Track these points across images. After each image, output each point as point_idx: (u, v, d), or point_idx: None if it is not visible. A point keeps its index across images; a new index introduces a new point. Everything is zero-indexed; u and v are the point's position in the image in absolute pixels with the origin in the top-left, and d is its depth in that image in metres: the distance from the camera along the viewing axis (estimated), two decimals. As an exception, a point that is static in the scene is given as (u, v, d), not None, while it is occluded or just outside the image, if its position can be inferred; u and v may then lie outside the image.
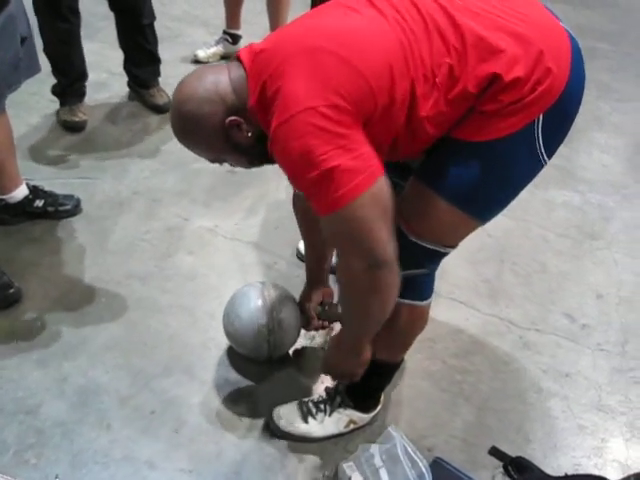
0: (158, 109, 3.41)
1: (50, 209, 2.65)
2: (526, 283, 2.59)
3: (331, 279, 2.20)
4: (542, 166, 1.50)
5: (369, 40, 1.37)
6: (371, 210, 1.35)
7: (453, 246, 1.59)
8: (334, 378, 1.94)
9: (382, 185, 1.36)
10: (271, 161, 1.56)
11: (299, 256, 2.55)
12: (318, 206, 1.39)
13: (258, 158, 1.54)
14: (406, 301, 1.64)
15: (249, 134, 1.45)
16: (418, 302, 1.67)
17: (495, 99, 1.37)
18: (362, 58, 1.34)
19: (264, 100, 1.38)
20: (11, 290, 2.26)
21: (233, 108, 1.42)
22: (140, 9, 3.19)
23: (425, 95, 1.37)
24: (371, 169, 1.34)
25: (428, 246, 1.54)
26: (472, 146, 1.43)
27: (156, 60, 3.45)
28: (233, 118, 1.43)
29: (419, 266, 1.59)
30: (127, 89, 3.56)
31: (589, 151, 3.46)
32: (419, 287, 1.66)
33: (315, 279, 2.15)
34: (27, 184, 2.61)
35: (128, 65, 3.42)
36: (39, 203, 2.62)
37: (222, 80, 1.43)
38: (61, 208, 2.67)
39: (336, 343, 1.74)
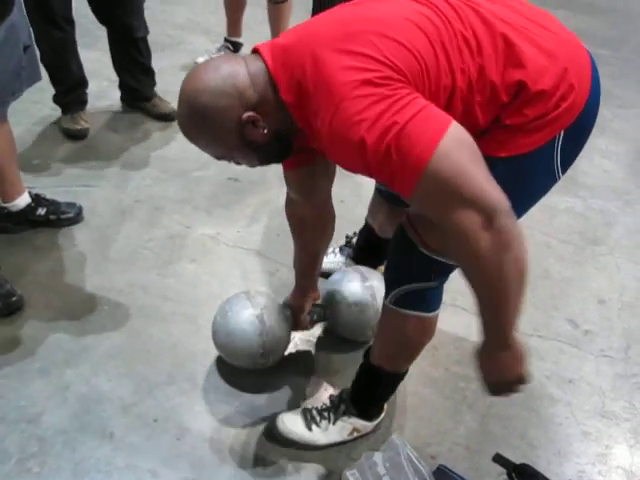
0: (165, 118, 3.41)
1: (52, 217, 2.65)
2: (529, 289, 2.52)
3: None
4: (556, 182, 1.49)
5: (407, 23, 1.32)
6: (459, 155, 1.20)
7: None
8: (500, 393, 1.53)
9: (458, 128, 1.23)
10: (280, 159, 1.55)
11: (301, 263, 2.54)
12: (403, 179, 1.23)
13: (271, 156, 1.49)
14: (414, 313, 1.64)
15: (265, 131, 1.39)
16: (426, 314, 1.66)
17: (520, 112, 1.34)
18: (406, 38, 1.29)
19: (302, 96, 1.32)
20: (13, 298, 2.26)
21: (250, 103, 1.35)
22: (131, 23, 3.18)
23: (462, 89, 1.32)
24: (441, 116, 1.23)
25: (441, 260, 1.52)
26: (493, 161, 1.36)
27: (151, 73, 3.44)
28: (250, 114, 1.35)
29: (430, 279, 1.57)
30: (128, 97, 3.56)
31: (591, 157, 3.47)
32: (427, 299, 1.65)
33: (306, 285, 2.14)
34: (29, 192, 2.61)
35: (125, 80, 3.40)
36: (41, 211, 2.62)
37: (240, 73, 1.35)
38: (63, 216, 2.67)
39: (482, 350, 1.47)
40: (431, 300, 1.66)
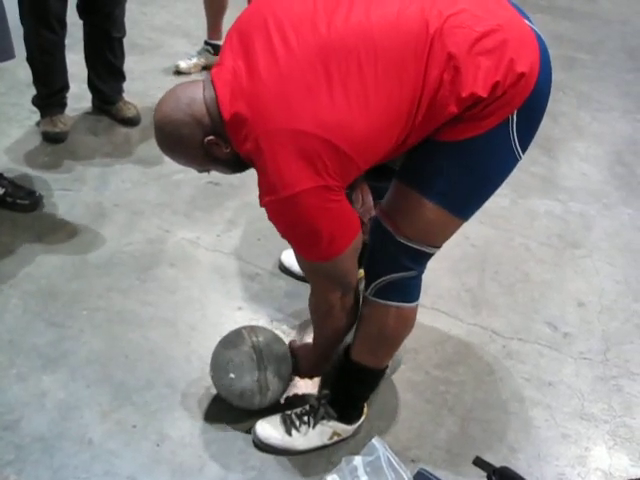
0: (128, 122, 3.38)
1: (9, 199, 2.69)
2: (509, 292, 2.60)
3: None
4: (517, 161, 1.55)
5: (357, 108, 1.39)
6: (352, 257, 1.58)
7: (438, 246, 1.64)
8: (312, 378, 2.09)
9: (360, 236, 1.56)
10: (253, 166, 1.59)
11: (281, 268, 2.54)
12: (305, 256, 1.59)
13: (240, 167, 1.58)
14: (394, 303, 1.68)
15: (227, 150, 1.51)
16: (406, 304, 1.70)
17: (473, 109, 1.41)
18: (347, 139, 1.38)
19: (248, 157, 1.47)
20: None
21: (209, 128, 1.48)
22: (113, 20, 3.15)
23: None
24: (354, 227, 1.53)
25: (415, 247, 1.58)
26: (450, 146, 1.48)
27: (121, 76, 3.39)
28: (210, 138, 1.48)
29: (407, 268, 1.63)
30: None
31: (570, 160, 3.49)
32: (407, 289, 1.69)
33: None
34: None
35: (92, 79, 3.35)
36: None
37: (197, 101, 1.47)
38: (19, 201, 2.70)
39: (313, 356, 1.96)
40: (411, 290, 1.71)
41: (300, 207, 1.42)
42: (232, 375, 1.89)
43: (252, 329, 1.99)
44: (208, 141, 1.48)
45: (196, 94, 1.48)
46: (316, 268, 1.62)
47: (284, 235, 1.55)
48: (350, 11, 1.39)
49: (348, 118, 1.37)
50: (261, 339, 1.94)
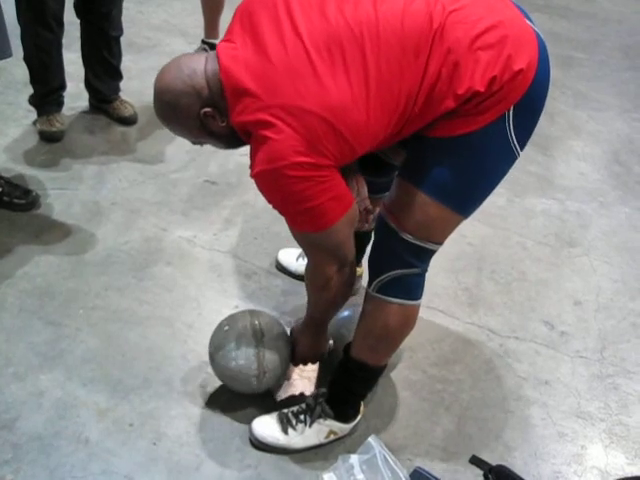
0: (125, 121, 3.38)
1: (6, 199, 2.69)
2: (505, 291, 2.60)
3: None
4: (516, 158, 1.56)
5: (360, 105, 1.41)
6: (346, 230, 1.60)
7: (440, 242, 1.65)
8: (306, 362, 2.06)
9: (354, 209, 1.59)
10: (246, 143, 1.62)
11: (278, 267, 2.54)
12: (297, 227, 1.60)
13: (233, 142, 1.61)
14: (396, 300, 1.69)
15: (223, 124, 1.53)
16: (408, 302, 1.71)
17: (469, 103, 1.43)
18: (347, 124, 1.41)
19: (245, 128, 1.48)
20: None
21: (207, 100, 1.50)
22: (111, 19, 3.14)
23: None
24: (347, 199, 1.55)
25: (417, 243, 1.60)
26: (448, 142, 1.50)
27: (118, 75, 3.39)
28: (207, 110, 1.51)
29: (410, 265, 1.64)
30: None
31: (567, 159, 3.50)
32: (410, 287, 1.70)
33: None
34: None
35: (89, 78, 3.34)
36: None
37: (198, 73, 1.50)
38: (16, 200, 2.70)
39: (307, 332, 1.97)
40: (414, 288, 1.71)
41: (291, 178, 1.43)
42: (229, 337, 1.92)
43: (252, 311, 2.03)
44: (205, 112, 1.51)
45: (198, 65, 1.50)
46: (310, 240, 1.64)
47: (275, 206, 1.55)
48: (359, 0, 1.42)
49: (350, 104, 1.40)
50: (260, 318, 1.98)
